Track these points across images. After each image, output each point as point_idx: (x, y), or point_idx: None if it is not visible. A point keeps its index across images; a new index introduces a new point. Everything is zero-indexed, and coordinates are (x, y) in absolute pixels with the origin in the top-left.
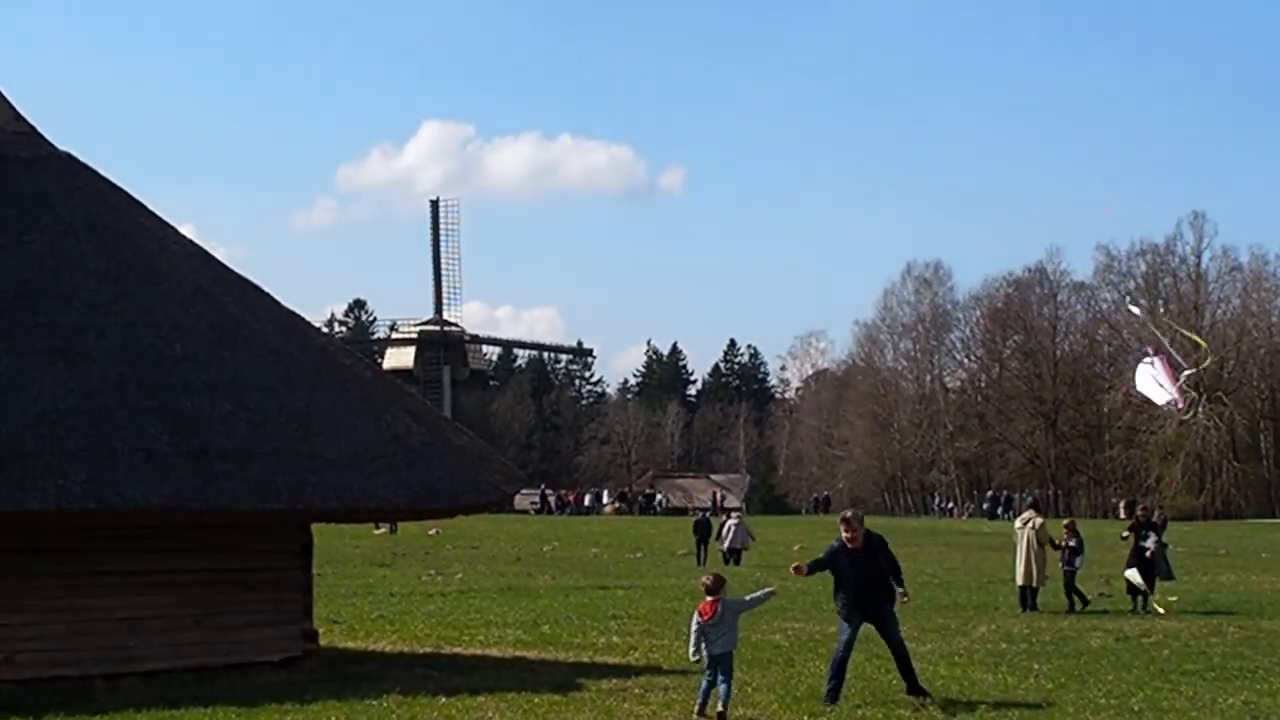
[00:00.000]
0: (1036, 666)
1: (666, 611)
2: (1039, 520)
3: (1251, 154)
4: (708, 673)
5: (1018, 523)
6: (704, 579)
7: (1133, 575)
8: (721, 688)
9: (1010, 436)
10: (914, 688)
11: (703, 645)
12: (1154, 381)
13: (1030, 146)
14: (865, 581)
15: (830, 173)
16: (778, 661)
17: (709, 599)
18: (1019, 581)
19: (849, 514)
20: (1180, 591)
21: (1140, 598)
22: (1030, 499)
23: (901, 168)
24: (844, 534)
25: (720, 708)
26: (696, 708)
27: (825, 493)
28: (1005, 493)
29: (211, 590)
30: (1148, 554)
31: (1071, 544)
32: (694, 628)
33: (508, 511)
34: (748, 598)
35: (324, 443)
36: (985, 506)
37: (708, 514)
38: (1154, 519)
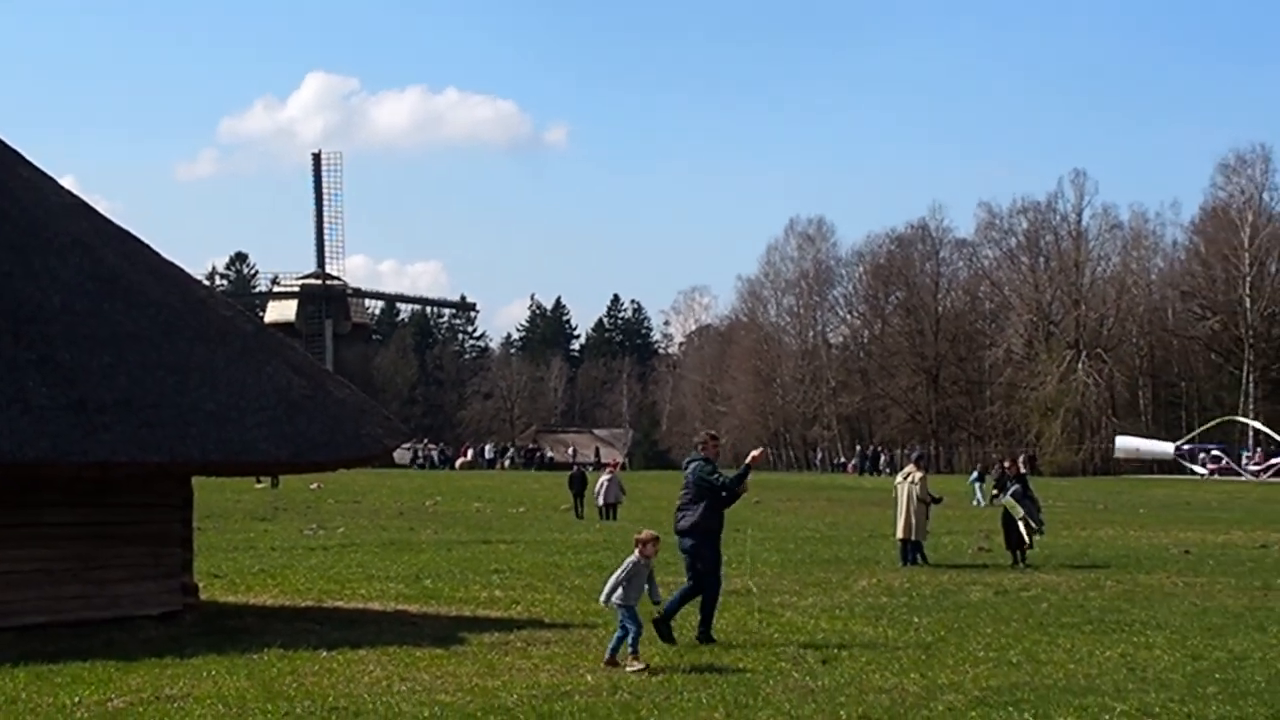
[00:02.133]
0: (917, 620)
1: (549, 565)
2: (919, 475)
3: (1132, 112)
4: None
5: (899, 477)
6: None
7: (1011, 505)
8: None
9: (892, 392)
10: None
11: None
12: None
13: (914, 104)
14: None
15: (714, 130)
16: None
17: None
18: (899, 535)
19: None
20: (1059, 546)
21: (1019, 553)
22: (915, 454)
23: (785, 124)
24: (704, 452)
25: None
26: (606, 656)
27: None
28: (880, 448)
29: (90, 544)
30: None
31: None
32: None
33: (390, 466)
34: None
35: (204, 395)
36: (855, 462)
37: (584, 468)
38: (1023, 471)
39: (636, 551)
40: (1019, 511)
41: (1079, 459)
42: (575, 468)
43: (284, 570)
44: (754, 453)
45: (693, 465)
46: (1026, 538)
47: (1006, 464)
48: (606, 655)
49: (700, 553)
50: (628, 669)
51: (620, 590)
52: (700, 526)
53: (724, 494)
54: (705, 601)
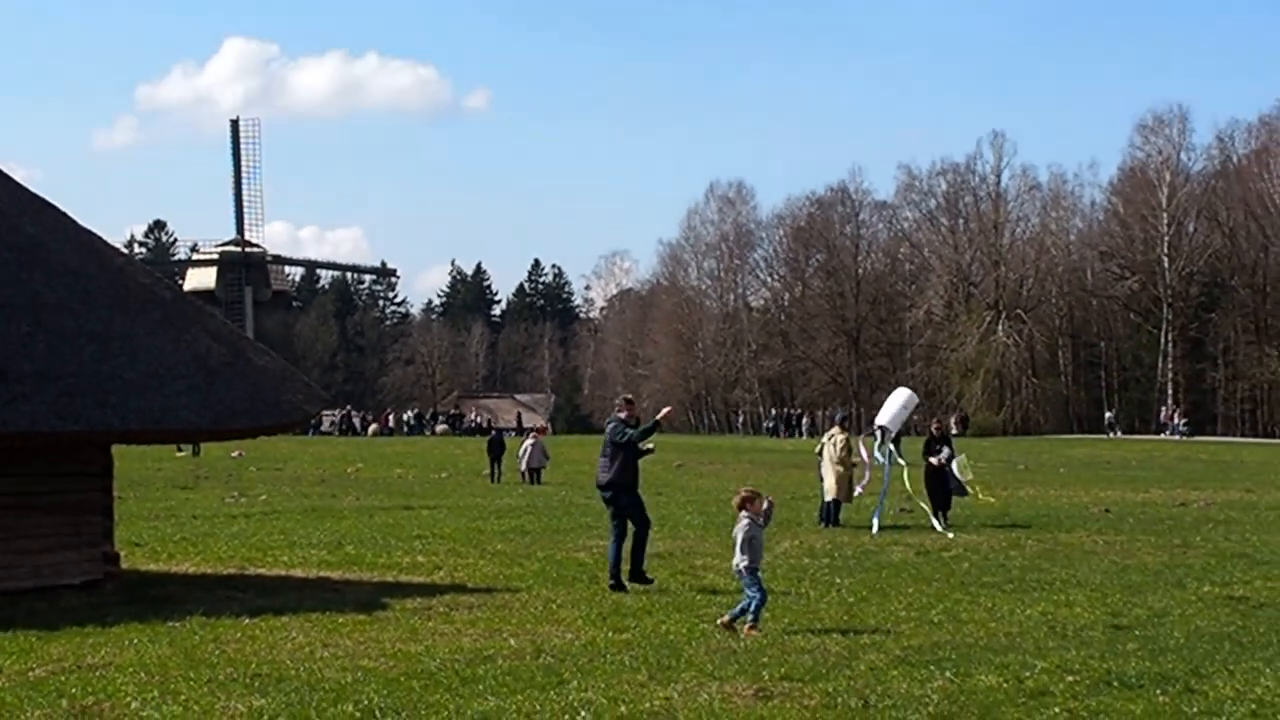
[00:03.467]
0: (839, 581)
1: (471, 531)
2: (843, 437)
3: (1051, 74)
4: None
5: (824, 439)
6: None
7: (964, 466)
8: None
9: (813, 355)
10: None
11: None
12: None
13: (833, 66)
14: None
15: (634, 94)
16: (582, 579)
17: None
18: (826, 497)
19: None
20: (980, 507)
21: (941, 514)
22: (839, 416)
23: (705, 88)
24: (622, 415)
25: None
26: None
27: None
28: (795, 411)
29: (10, 514)
30: (939, 464)
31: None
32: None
33: (312, 433)
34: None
35: (123, 364)
36: (770, 425)
37: (502, 433)
38: (949, 434)
39: (743, 515)
40: (968, 474)
41: (1000, 419)
42: (494, 432)
43: (206, 538)
44: (663, 410)
45: (610, 426)
46: (970, 491)
47: (934, 425)
48: (726, 618)
49: (619, 500)
50: (743, 636)
51: (742, 556)
52: (615, 480)
53: (632, 446)
54: (636, 542)
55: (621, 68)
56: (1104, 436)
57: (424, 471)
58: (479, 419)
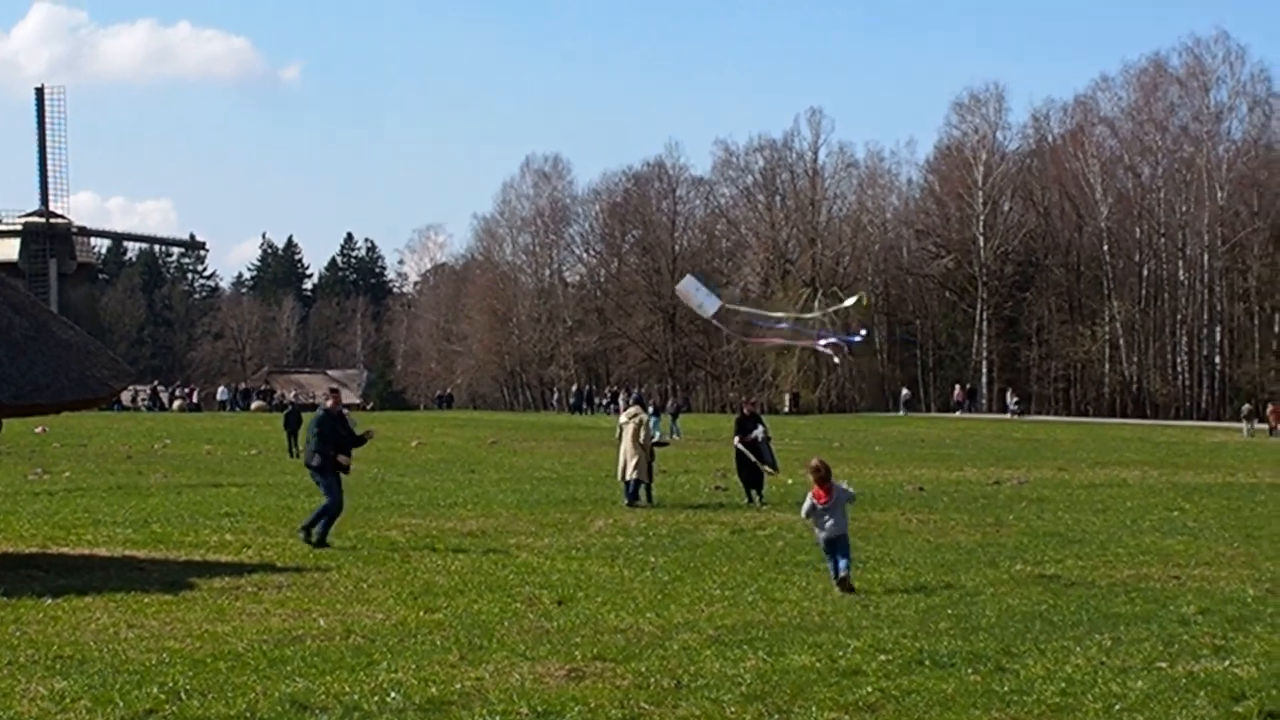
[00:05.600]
0: (653, 559)
1: (280, 509)
2: (643, 416)
3: (869, 51)
4: (827, 556)
5: (622, 418)
6: (813, 463)
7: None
8: (841, 563)
9: (629, 331)
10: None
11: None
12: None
13: (650, 41)
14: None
15: (449, 67)
16: (394, 558)
17: (820, 486)
18: (622, 477)
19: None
20: (795, 486)
21: (755, 492)
22: (634, 395)
23: (521, 60)
24: (329, 403)
25: (843, 574)
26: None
27: (448, 390)
28: (589, 386)
29: None
30: (756, 440)
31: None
32: (807, 510)
33: (118, 409)
34: (848, 488)
35: None
36: (572, 401)
37: (299, 408)
38: (759, 414)
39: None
40: (747, 454)
41: (815, 397)
42: (290, 406)
43: (6, 516)
44: (369, 430)
45: (317, 416)
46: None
47: (745, 405)
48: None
49: (322, 479)
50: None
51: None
52: (317, 464)
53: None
54: (330, 512)
55: (436, 38)
56: (924, 414)
57: (233, 448)
58: (294, 395)
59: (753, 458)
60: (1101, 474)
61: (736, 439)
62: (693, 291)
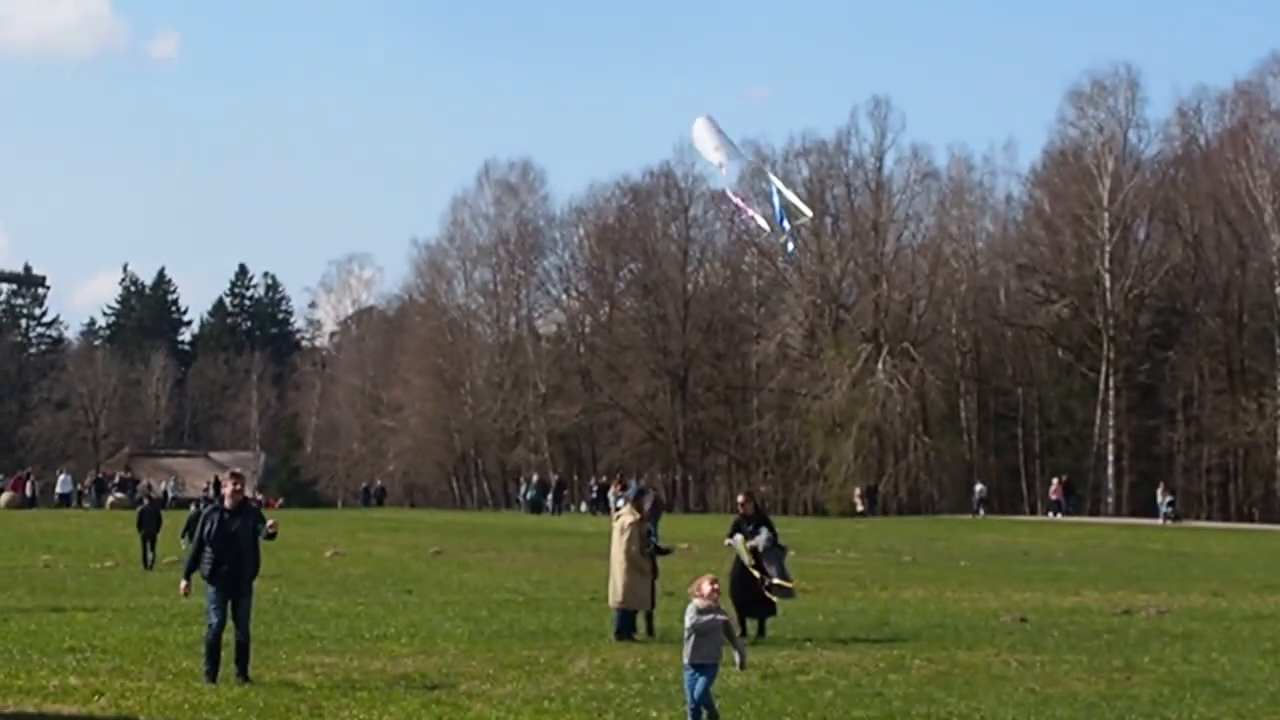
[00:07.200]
0: (654, 714)
1: (146, 641)
2: (630, 519)
3: (952, 26)
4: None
5: (614, 522)
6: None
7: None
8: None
9: (625, 401)
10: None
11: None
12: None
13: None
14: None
15: (376, 39)
16: (299, 711)
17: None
18: (610, 601)
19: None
20: (849, 613)
21: (757, 620)
22: (633, 491)
23: (479, 37)
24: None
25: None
26: None
27: (377, 481)
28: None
29: None
30: (758, 550)
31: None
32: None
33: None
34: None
35: None
36: (529, 494)
37: (159, 503)
38: (763, 507)
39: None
40: (748, 559)
41: (880, 493)
42: (146, 501)
43: None
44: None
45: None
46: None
47: (742, 500)
48: None
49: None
50: None
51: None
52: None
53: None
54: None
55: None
56: (1034, 518)
57: (80, 559)
58: (166, 487)
59: (754, 570)
60: (1271, 601)
61: (727, 539)
62: (710, 135)
